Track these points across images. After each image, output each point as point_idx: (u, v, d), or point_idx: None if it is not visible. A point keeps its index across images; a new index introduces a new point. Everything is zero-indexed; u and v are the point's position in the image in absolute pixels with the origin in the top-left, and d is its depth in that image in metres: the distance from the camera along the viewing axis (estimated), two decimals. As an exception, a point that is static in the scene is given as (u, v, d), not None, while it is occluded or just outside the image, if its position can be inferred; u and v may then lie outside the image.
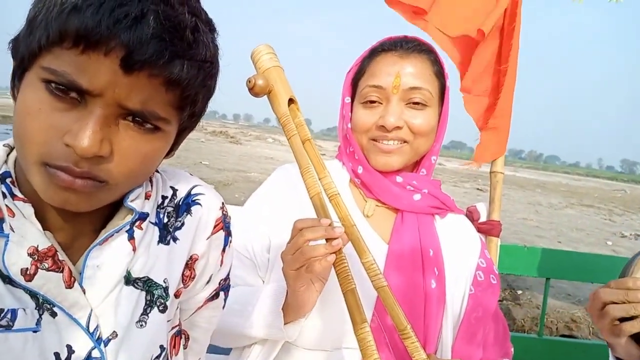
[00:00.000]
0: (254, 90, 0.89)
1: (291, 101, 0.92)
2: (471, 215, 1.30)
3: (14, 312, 0.52)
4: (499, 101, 1.39)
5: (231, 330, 0.98)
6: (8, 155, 0.58)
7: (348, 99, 1.10)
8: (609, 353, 0.94)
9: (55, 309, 0.55)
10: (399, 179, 1.06)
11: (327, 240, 0.85)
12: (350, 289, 0.84)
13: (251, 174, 9.43)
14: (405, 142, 1.02)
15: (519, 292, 4.14)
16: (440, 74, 1.06)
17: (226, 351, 1.13)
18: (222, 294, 0.78)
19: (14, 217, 0.54)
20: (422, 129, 1.01)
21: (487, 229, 1.34)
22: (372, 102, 1.03)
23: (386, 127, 1.00)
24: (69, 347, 0.56)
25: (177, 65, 0.51)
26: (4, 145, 0.58)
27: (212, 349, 1.00)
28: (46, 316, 0.55)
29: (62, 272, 0.55)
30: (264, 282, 1.04)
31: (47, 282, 0.54)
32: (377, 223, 1.05)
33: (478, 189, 13.07)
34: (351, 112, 1.08)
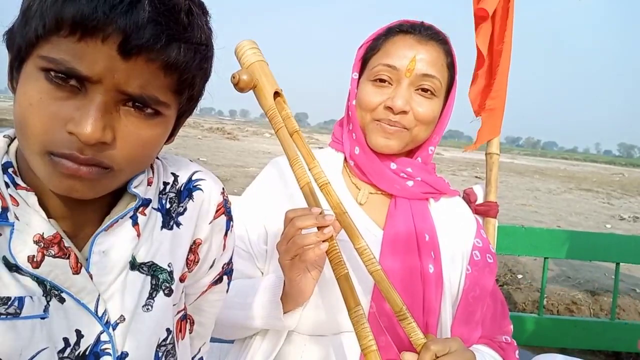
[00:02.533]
0: (239, 86, 0.90)
1: (277, 94, 0.93)
2: (468, 197, 1.32)
3: (20, 300, 0.53)
4: (494, 82, 1.40)
5: (232, 322, 1.00)
6: (9, 145, 0.59)
7: (356, 75, 1.09)
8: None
9: (63, 294, 0.56)
10: (393, 165, 1.06)
11: (318, 228, 0.86)
12: (343, 275, 0.85)
13: (249, 169, 9.42)
14: (406, 128, 1.02)
15: (519, 276, 4.16)
16: (451, 66, 1.06)
17: (229, 340, 1.15)
18: (225, 278, 0.80)
19: (17, 206, 0.55)
20: (426, 118, 1.02)
21: (485, 210, 1.35)
22: (382, 80, 1.02)
23: (394, 109, 1.00)
24: (77, 332, 0.57)
25: (174, 48, 0.51)
26: (4, 136, 0.59)
27: (215, 339, 1.01)
28: (54, 302, 0.56)
29: (68, 258, 0.56)
30: (262, 273, 1.06)
31: (54, 269, 0.55)
32: (371, 209, 1.06)
33: (476, 176, 13.07)
34: (357, 88, 1.07)
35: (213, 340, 0.89)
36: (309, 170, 0.92)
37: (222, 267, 0.77)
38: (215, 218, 0.71)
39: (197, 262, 0.71)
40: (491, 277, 1.08)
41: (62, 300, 0.56)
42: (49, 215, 0.56)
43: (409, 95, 1.01)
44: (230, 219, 0.75)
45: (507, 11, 1.40)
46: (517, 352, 1.09)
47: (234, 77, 0.89)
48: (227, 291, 0.83)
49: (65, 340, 0.56)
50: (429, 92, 1.02)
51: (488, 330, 1.07)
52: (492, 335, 1.07)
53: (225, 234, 0.75)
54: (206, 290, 0.78)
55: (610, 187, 15.22)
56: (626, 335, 1.87)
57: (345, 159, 1.11)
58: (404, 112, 1.01)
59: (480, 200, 1.36)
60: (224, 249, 0.76)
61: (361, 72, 1.08)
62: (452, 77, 1.07)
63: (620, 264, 1.88)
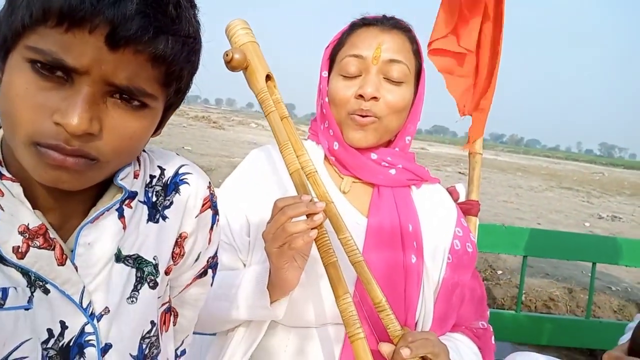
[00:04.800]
0: (231, 64, 0.88)
1: (268, 77, 0.92)
2: (450, 195, 1.34)
3: (4, 291, 0.53)
4: (491, 83, 1.41)
5: (216, 314, 0.99)
6: None
7: (325, 73, 1.10)
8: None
9: (48, 285, 0.56)
10: (373, 155, 1.07)
11: (307, 216, 0.87)
12: (332, 262, 0.86)
13: (234, 159, 9.38)
14: (377, 117, 1.03)
15: (499, 272, 4.24)
16: (417, 53, 1.08)
17: (211, 333, 1.15)
18: (210, 271, 0.80)
19: (3, 196, 0.54)
20: (396, 105, 1.03)
21: (466, 209, 1.37)
22: (352, 74, 1.03)
23: (365, 96, 1.00)
24: (62, 323, 0.57)
25: (162, 40, 0.51)
26: None
27: (197, 332, 1.01)
28: (38, 293, 0.56)
29: (53, 249, 0.56)
30: (244, 265, 1.05)
31: (39, 260, 0.55)
32: (355, 198, 1.07)
33: (460, 172, 13.21)
34: (328, 85, 1.08)
35: (195, 332, 0.89)
36: (297, 157, 0.91)
37: (207, 261, 0.78)
38: (201, 212, 0.72)
39: (183, 255, 0.72)
40: (470, 266, 1.10)
41: (46, 292, 0.56)
42: (34, 206, 0.56)
43: (379, 82, 1.02)
44: (216, 213, 0.75)
45: (501, 13, 1.41)
46: (492, 337, 1.12)
47: (227, 55, 0.87)
48: (211, 284, 0.83)
49: (49, 331, 0.56)
50: (397, 80, 1.03)
51: (465, 315, 1.09)
52: (468, 321, 1.10)
53: (211, 228, 0.75)
54: (191, 284, 0.78)
55: (591, 185, 15.51)
56: (601, 333, 1.92)
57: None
58: (375, 99, 1.01)
59: (462, 198, 1.38)
60: (209, 243, 0.76)
61: (330, 70, 1.10)
62: (419, 64, 1.08)
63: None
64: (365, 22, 1.07)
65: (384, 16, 1.08)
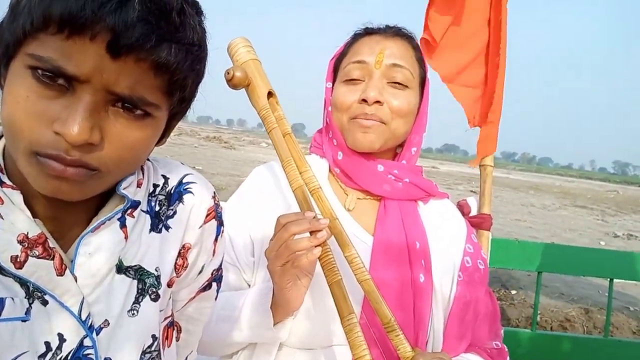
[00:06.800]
0: (232, 82, 0.88)
1: (270, 94, 0.92)
2: (462, 209, 1.31)
3: (1, 301, 0.52)
4: (495, 94, 1.40)
5: (219, 337, 0.96)
6: None
7: (330, 84, 1.10)
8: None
9: (46, 297, 0.55)
10: (380, 167, 1.05)
11: (311, 233, 0.85)
12: (336, 281, 0.84)
13: (244, 178, 9.40)
14: (383, 122, 1.01)
15: (513, 292, 4.15)
16: (421, 61, 1.07)
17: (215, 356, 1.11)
18: (214, 284, 0.78)
19: (2, 204, 0.54)
20: (401, 109, 1.01)
21: (478, 223, 1.34)
22: (354, 79, 1.03)
23: (368, 100, 0.99)
24: (60, 336, 0.56)
25: (165, 48, 0.51)
26: None
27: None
28: (37, 305, 0.54)
29: (52, 259, 0.55)
30: (249, 285, 1.03)
31: (38, 270, 0.54)
32: (360, 215, 1.05)
33: (472, 190, 13.10)
34: (332, 95, 1.08)
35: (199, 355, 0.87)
36: (300, 173, 0.90)
37: (212, 274, 0.76)
38: (205, 222, 0.70)
39: (186, 267, 0.70)
40: (483, 283, 1.07)
41: (44, 303, 0.55)
42: (34, 215, 0.55)
43: (382, 87, 1.01)
44: (220, 224, 0.74)
45: (499, 23, 1.40)
46: (507, 358, 1.08)
47: (227, 73, 0.88)
48: (216, 298, 0.81)
49: (47, 344, 0.55)
50: (400, 85, 1.02)
51: (479, 335, 1.05)
52: (482, 342, 1.06)
53: (216, 239, 0.73)
54: (194, 297, 0.76)
55: (605, 204, 15.29)
56: (620, 353, 1.86)
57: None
58: (379, 103, 1.00)
59: (474, 212, 1.35)
60: (213, 255, 0.74)
61: (334, 81, 1.09)
62: (423, 72, 1.08)
63: (614, 280, 1.87)
64: (368, 31, 1.07)
65: (387, 25, 1.08)
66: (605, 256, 1.82)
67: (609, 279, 1.87)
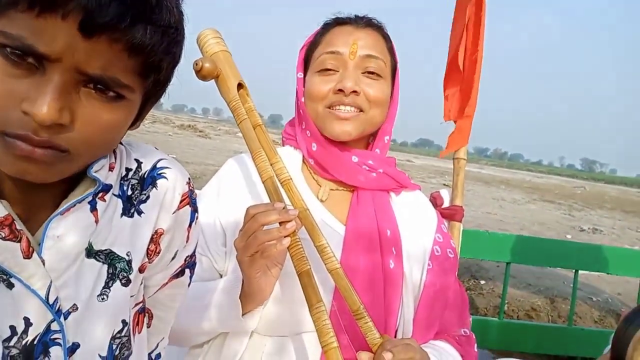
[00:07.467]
0: (201, 73, 0.88)
1: (240, 86, 0.92)
2: (435, 200, 1.33)
3: None
4: (472, 89, 1.42)
5: (189, 327, 0.96)
6: None
7: (301, 74, 1.10)
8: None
9: (12, 279, 0.54)
10: (354, 158, 1.06)
11: (280, 223, 0.85)
12: (305, 270, 0.85)
13: (219, 167, 9.33)
14: (361, 110, 1.03)
15: (482, 282, 4.25)
16: (392, 51, 1.09)
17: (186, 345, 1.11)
18: (187, 271, 0.77)
19: None
20: (378, 99, 1.03)
21: (450, 214, 1.37)
22: (328, 70, 1.03)
23: (344, 90, 1.00)
24: (26, 320, 0.54)
25: (140, 29, 0.49)
26: None
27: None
28: (2, 287, 0.53)
29: (19, 242, 0.54)
30: (221, 275, 1.03)
31: (4, 252, 0.53)
32: (333, 206, 1.05)
33: (444, 184, 13.29)
34: (304, 86, 1.08)
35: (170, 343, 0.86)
36: (271, 165, 0.90)
37: (185, 260, 0.75)
38: (179, 208, 0.69)
39: (159, 252, 0.69)
40: (452, 272, 1.09)
41: (10, 286, 0.54)
42: (1, 197, 0.54)
43: (357, 77, 1.02)
44: (195, 210, 0.73)
45: (479, 19, 1.43)
46: (475, 345, 1.11)
47: (196, 64, 0.87)
48: (189, 285, 0.81)
49: (12, 328, 0.54)
50: (375, 75, 1.03)
51: (448, 322, 1.08)
52: (451, 329, 1.08)
53: (189, 226, 0.73)
54: (167, 283, 0.75)
55: (572, 199, 15.73)
56: (582, 341, 1.93)
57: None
58: (355, 93, 1.01)
59: (446, 204, 1.38)
60: (187, 241, 0.73)
61: (305, 71, 1.09)
62: (394, 62, 1.09)
63: (579, 272, 1.94)
64: (338, 22, 1.08)
65: (356, 15, 1.09)
66: (571, 248, 1.88)
67: (574, 270, 1.94)
